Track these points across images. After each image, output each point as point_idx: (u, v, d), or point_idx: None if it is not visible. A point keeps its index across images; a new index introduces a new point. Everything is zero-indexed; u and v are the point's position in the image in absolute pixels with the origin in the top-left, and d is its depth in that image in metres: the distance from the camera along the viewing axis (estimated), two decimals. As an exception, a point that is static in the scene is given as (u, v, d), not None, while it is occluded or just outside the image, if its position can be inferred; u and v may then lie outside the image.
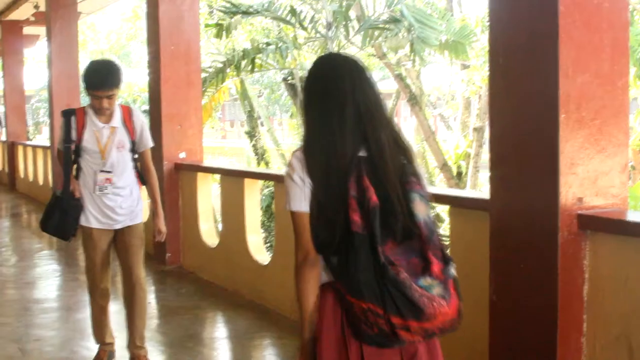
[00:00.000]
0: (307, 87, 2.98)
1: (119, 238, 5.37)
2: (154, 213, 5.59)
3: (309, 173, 2.82)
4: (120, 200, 5.30)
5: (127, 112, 5.41)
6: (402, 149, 2.91)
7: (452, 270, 2.85)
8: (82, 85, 5.22)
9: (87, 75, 5.09)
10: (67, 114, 5.35)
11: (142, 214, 5.48)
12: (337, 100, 2.84)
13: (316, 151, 2.84)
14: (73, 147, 5.26)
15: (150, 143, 5.46)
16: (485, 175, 19.25)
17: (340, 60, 2.98)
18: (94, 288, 5.39)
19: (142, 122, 5.43)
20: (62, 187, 5.30)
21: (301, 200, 2.83)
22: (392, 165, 2.82)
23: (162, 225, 5.56)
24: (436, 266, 2.76)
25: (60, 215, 5.26)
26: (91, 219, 5.28)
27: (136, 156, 5.38)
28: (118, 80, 5.19)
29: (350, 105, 2.82)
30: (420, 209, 2.81)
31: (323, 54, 3.15)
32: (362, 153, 2.82)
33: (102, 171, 5.25)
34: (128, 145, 5.32)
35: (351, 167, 2.78)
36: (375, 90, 2.91)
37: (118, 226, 5.33)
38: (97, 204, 5.27)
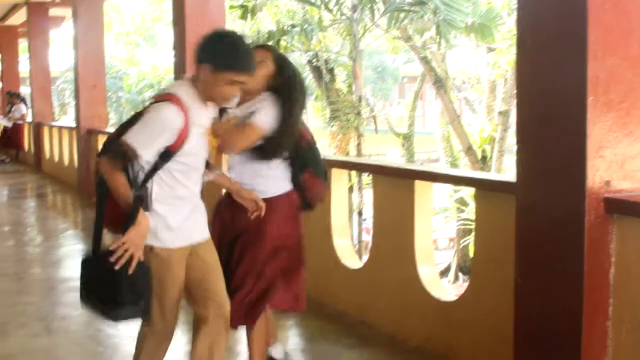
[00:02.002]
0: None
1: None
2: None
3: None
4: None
5: None
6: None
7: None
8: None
9: (231, 52, 3.66)
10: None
11: None
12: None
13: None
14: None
15: None
16: (510, 159, 19.21)
17: None
18: (165, 334, 3.96)
19: None
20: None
21: None
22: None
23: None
24: None
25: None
26: (175, 236, 3.80)
27: None
28: None
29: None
30: None
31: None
32: None
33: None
34: None
35: None
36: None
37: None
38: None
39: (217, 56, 3.64)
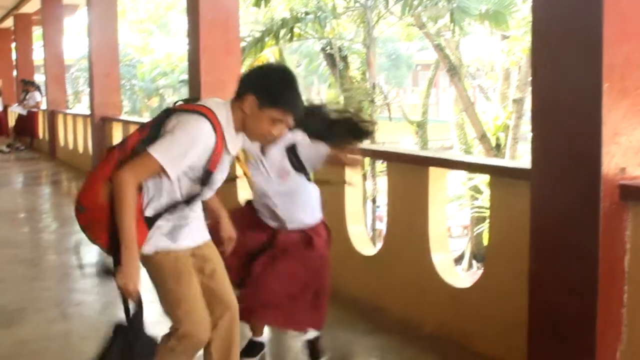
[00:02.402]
0: None
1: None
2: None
3: None
4: None
5: None
6: None
7: None
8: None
9: (281, 88, 3.42)
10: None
11: None
12: None
13: None
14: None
15: None
16: (524, 147, 19.16)
17: None
18: (198, 339, 3.58)
19: None
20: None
21: None
22: None
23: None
24: None
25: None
26: (177, 241, 3.56)
27: None
28: None
29: None
30: None
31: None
32: None
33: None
34: None
35: None
36: None
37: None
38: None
39: (267, 90, 3.36)
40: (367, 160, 18.58)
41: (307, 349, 4.90)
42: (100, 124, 13.93)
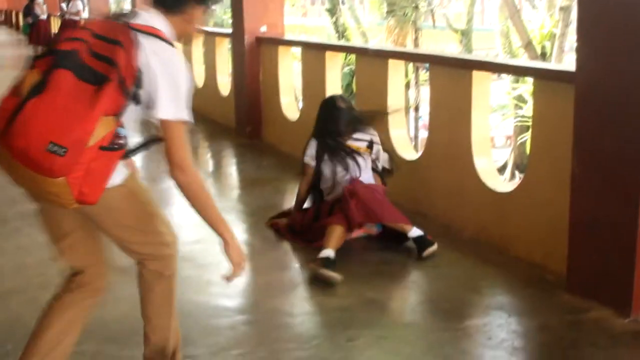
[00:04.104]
0: None
1: None
2: None
3: None
4: None
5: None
6: None
7: None
8: None
9: None
10: None
11: None
12: None
13: None
14: None
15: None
16: (570, 57, 18.84)
17: None
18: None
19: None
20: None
21: None
22: None
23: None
24: None
25: None
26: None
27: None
28: None
29: None
30: None
31: None
32: None
33: None
34: None
35: None
36: None
37: None
38: None
39: None
40: (410, 67, 18.46)
41: (416, 244, 5.19)
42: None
